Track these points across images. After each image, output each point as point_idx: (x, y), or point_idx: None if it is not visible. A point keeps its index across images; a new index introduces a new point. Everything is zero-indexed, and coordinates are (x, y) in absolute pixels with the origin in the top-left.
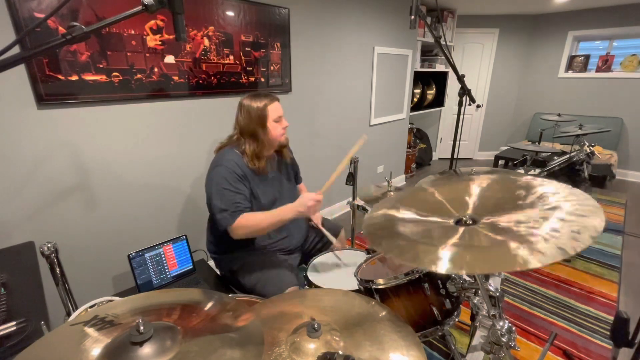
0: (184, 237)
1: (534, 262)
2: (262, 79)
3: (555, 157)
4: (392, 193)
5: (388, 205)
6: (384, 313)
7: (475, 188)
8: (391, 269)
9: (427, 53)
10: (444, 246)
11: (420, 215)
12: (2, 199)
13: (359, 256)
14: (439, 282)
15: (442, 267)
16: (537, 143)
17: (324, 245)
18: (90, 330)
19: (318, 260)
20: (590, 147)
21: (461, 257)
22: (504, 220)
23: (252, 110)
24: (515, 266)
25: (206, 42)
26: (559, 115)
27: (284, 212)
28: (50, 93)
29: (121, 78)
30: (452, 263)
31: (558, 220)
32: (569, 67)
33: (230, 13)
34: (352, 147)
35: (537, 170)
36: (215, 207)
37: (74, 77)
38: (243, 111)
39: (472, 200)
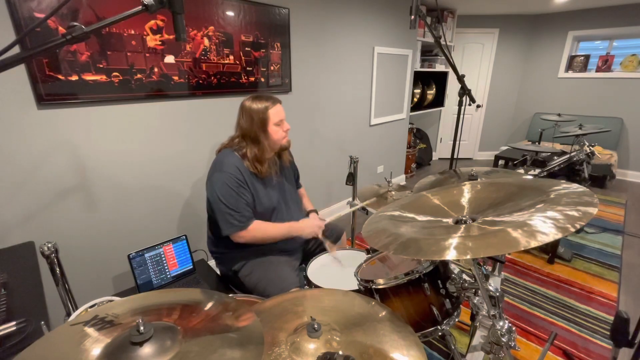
0: (184, 237)
1: (535, 241)
2: (262, 79)
3: (555, 157)
4: (392, 192)
5: (388, 210)
6: (384, 313)
7: (470, 191)
8: (391, 267)
9: (427, 53)
10: (447, 240)
11: (421, 217)
12: (2, 199)
13: (359, 256)
14: (439, 282)
15: (447, 255)
16: (537, 143)
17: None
18: (90, 330)
19: (318, 260)
20: (590, 147)
21: (464, 245)
22: (502, 216)
23: (254, 113)
24: (518, 246)
25: (206, 42)
26: (559, 115)
27: (293, 229)
28: (50, 93)
29: (121, 78)
30: (457, 250)
31: (553, 209)
32: (569, 67)
33: (230, 13)
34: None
35: (537, 170)
36: (220, 212)
37: (74, 77)
38: (245, 114)
39: (468, 203)
